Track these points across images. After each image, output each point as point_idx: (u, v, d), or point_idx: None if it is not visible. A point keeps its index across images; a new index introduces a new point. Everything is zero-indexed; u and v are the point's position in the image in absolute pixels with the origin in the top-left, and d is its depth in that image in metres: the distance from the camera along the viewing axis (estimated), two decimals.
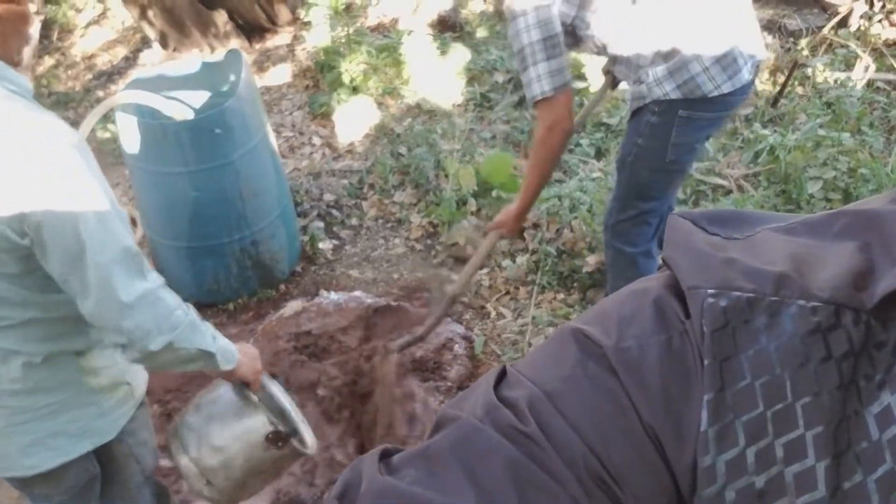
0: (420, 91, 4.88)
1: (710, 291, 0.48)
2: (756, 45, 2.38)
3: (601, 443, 0.48)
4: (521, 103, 4.73)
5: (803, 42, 4.96)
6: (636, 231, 2.61)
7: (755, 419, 0.45)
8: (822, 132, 3.95)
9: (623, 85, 2.72)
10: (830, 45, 4.91)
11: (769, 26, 5.22)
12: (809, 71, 4.70)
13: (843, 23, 4.96)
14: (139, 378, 1.86)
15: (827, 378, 0.45)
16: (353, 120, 4.70)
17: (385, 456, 0.53)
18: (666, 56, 2.28)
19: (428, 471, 0.49)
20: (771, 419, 0.45)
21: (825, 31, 4.93)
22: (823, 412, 0.44)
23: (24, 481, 1.73)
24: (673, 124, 2.35)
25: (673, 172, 2.52)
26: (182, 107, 3.07)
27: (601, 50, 2.44)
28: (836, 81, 4.60)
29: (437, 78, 4.92)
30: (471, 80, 4.96)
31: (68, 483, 1.75)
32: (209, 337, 1.64)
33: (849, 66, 4.73)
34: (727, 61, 2.26)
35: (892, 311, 0.45)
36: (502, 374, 0.54)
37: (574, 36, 2.41)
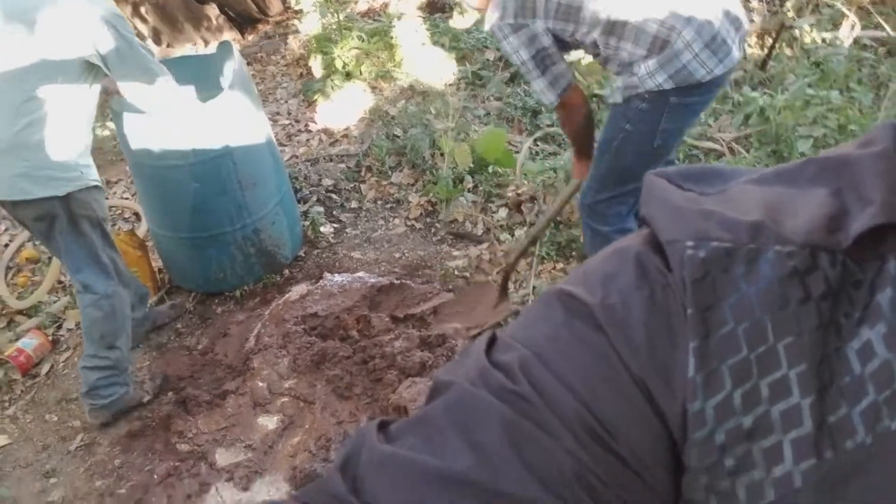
0: (412, 73, 4.92)
1: (688, 244, 0.49)
2: (740, 19, 2.38)
3: (592, 397, 0.49)
4: (512, 79, 4.78)
5: (789, 4, 4.99)
6: (612, 211, 2.63)
7: (740, 362, 0.47)
8: (810, 91, 3.99)
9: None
10: (817, 5, 4.94)
11: None
12: (797, 32, 4.72)
13: None
14: (90, 172, 2.68)
15: (807, 318, 0.46)
16: (348, 105, 4.75)
17: (384, 426, 0.54)
18: (656, 49, 2.29)
19: (426, 437, 0.50)
20: (755, 361, 0.46)
21: None
22: (805, 351, 0.46)
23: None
24: (663, 111, 2.37)
25: (658, 156, 2.53)
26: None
27: (595, 51, 2.47)
28: (823, 41, 4.63)
29: (429, 59, 4.96)
30: (462, 60, 5.00)
31: (36, 214, 2.59)
32: None
33: (835, 25, 4.76)
34: (716, 44, 2.26)
35: (866, 250, 0.47)
36: (493, 340, 0.55)
37: (565, 42, 2.46)
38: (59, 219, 2.62)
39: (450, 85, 4.84)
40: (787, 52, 4.74)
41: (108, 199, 4.22)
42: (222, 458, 2.74)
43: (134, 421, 2.93)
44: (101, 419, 2.90)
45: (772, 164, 3.74)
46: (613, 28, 2.33)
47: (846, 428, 0.45)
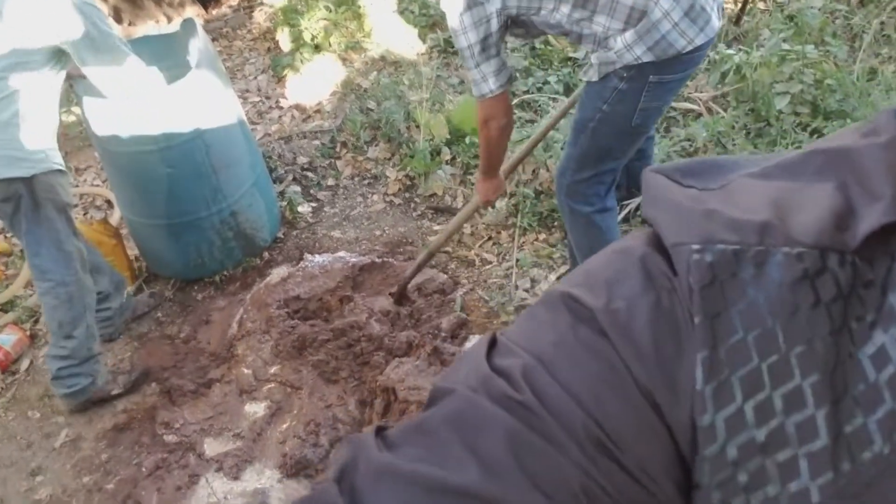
0: (383, 43, 4.82)
1: (694, 247, 0.48)
2: None
3: (597, 407, 0.47)
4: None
5: None
6: (591, 191, 2.56)
7: (751, 373, 0.45)
8: (786, 46, 3.96)
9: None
10: None
11: None
12: None
13: None
14: (55, 155, 2.65)
15: (818, 324, 0.45)
16: (319, 79, 4.65)
17: (381, 431, 0.52)
18: (633, 21, 2.18)
19: (427, 446, 0.48)
20: (767, 371, 0.45)
21: None
22: (818, 359, 0.44)
23: None
24: (643, 90, 2.27)
25: (637, 135, 2.46)
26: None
27: (563, 30, 2.33)
28: None
29: (399, 28, 4.87)
30: (433, 27, 4.91)
31: (2, 195, 2.57)
32: None
33: None
34: (695, 12, 2.15)
35: (876, 248, 0.45)
36: (493, 343, 0.54)
37: (528, 26, 2.33)
38: (23, 200, 2.59)
39: (422, 54, 4.75)
40: (761, 5, 4.70)
41: (77, 186, 4.13)
42: (210, 447, 2.71)
43: (119, 414, 2.89)
44: (68, 406, 2.90)
45: (750, 122, 3.75)
46: (586, 1, 2.20)
47: (863, 438, 0.44)
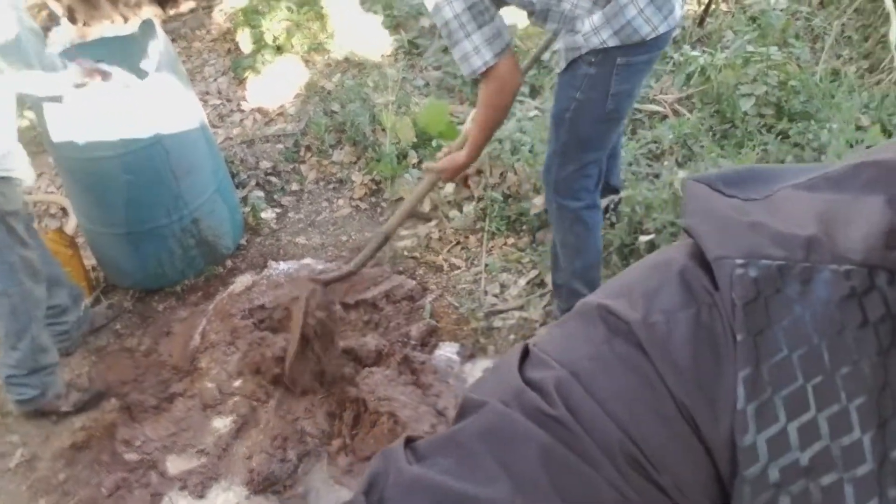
0: (346, 44, 4.75)
1: (738, 262, 0.46)
2: None
3: (634, 424, 0.46)
4: None
5: None
6: (578, 185, 2.54)
7: (795, 393, 0.44)
8: (750, 48, 3.97)
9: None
10: None
11: None
12: None
13: None
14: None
15: (865, 345, 0.43)
16: (281, 81, 4.57)
17: (410, 443, 0.51)
18: (602, 1, 2.17)
19: (458, 459, 0.47)
20: (812, 392, 0.44)
21: None
22: (865, 381, 0.43)
23: None
24: (612, 73, 2.27)
25: (613, 121, 2.45)
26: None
27: (531, 5, 2.29)
28: None
29: (362, 29, 4.79)
30: (396, 28, 4.84)
31: None
32: None
33: None
34: (661, 1, 2.18)
35: None
36: (525, 354, 0.53)
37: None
38: None
39: (386, 56, 4.69)
40: (724, 7, 4.72)
41: (30, 194, 4.00)
42: (174, 465, 2.63)
43: (77, 432, 2.78)
44: (18, 412, 2.84)
45: (716, 124, 3.75)
46: None
47: None
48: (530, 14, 2.35)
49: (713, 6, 4.57)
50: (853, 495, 0.42)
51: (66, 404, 2.82)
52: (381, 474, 0.48)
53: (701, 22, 4.54)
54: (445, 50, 4.60)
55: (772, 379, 0.44)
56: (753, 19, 4.42)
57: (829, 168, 0.51)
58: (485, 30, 2.18)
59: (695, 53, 4.09)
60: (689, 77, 4.03)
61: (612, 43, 2.19)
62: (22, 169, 2.63)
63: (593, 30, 2.19)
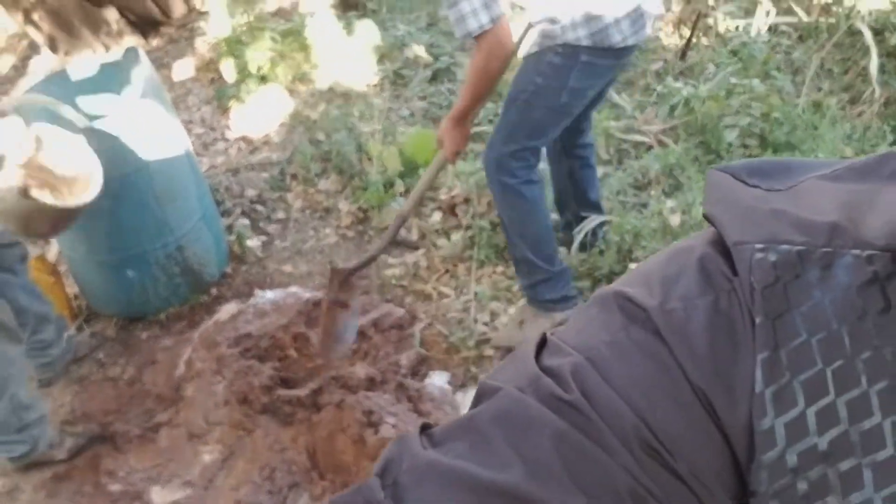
0: (331, 74, 4.76)
1: (757, 246, 0.47)
2: (657, 3, 2.49)
3: (650, 410, 0.46)
4: (435, 77, 4.68)
5: None
6: (517, 164, 2.60)
7: (814, 377, 0.44)
8: (733, 80, 4.03)
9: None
10: None
11: None
12: (710, 21, 4.78)
13: None
14: None
15: (888, 330, 0.43)
16: (266, 110, 4.55)
17: (425, 429, 0.52)
18: (584, 3, 2.32)
19: (472, 444, 0.47)
20: (831, 377, 0.43)
21: None
22: (886, 366, 0.43)
23: None
24: (574, 67, 2.40)
25: (563, 115, 2.55)
26: (84, 112, 2.90)
27: None
28: (737, 28, 4.70)
29: (347, 59, 4.81)
30: (381, 59, 4.87)
31: None
32: None
33: (748, 13, 4.83)
34: (636, 16, 2.36)
35: None
36: (543, 343, 0.53)
37: None
38: None
39: (372, 85, 4.70)
40: (704, 40, 4.79)
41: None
42: (159, 496, 2.57)
43: (59, 463, 2.70)
44: (12, 468, 2.69)
45: (701, 155, 3.79)
46: None
47: None
48: None
49: (694, 40, 4.65)
50: (872, 480, 0.42)
51: (62, 452, 2.69)
52: (395, 459, 0.48)
53: (683, 55, 4.61)
54: (430, 80, 4.64)
55: (790, 363, 0.44)
56: (734, 52, 4.49)
57: (853, 160, 0.51)
58: None
59: (678, 85, 4.14)
60: (672, 108, 4.07)
61: (585, 42, 2.34)
62: None
63: (572, 25, 2.33)
